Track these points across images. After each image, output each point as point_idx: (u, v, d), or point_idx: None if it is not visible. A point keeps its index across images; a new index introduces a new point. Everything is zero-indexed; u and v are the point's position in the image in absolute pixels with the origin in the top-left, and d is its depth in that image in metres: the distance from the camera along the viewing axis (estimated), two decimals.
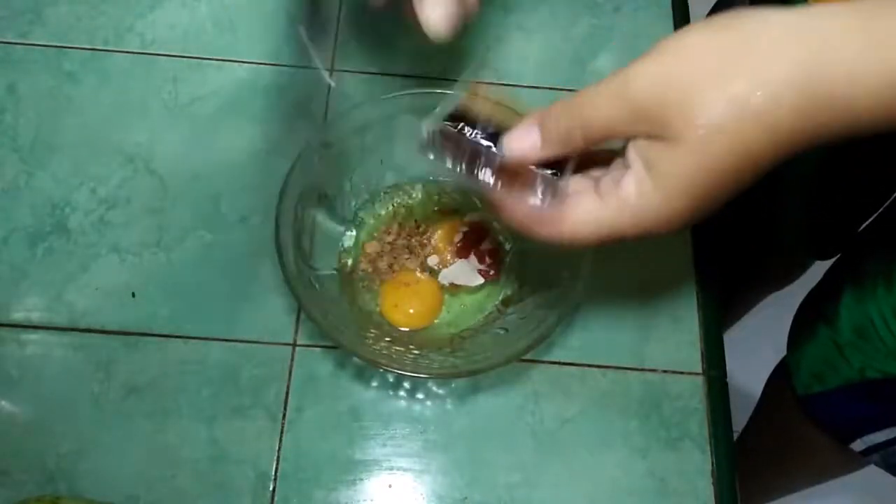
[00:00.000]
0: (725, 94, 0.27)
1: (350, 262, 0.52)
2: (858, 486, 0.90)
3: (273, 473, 0.48)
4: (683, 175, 0.29)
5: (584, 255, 0.45)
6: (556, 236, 0.33)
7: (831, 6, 0.27)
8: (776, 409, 0.75)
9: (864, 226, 0.72)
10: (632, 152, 0.30)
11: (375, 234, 0.53)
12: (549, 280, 0.49)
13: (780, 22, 0.27)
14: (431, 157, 0.35)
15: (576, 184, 0.34)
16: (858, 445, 0.63)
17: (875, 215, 0.70)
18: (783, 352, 0.71)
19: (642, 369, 0.52)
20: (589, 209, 0.32)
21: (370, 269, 0.52)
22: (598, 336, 0.53)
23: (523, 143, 0.32)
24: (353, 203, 0.53)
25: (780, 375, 0.73)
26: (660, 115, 0.28)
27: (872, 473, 0.69)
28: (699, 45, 0.28)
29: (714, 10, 0.77)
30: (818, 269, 0.80)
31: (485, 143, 0.34)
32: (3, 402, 0.49)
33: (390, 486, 0.48)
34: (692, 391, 0.52)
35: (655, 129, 0.29)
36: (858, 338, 0.56)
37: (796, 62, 0.26)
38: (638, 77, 0.29)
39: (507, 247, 0.53)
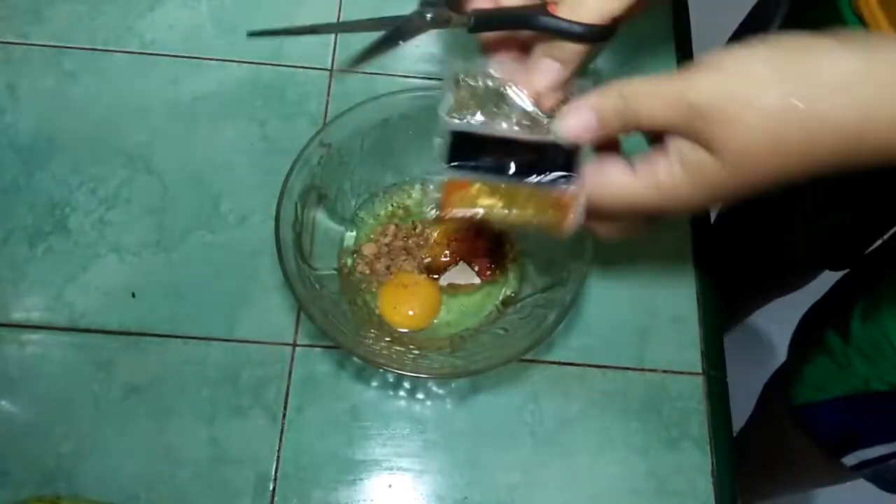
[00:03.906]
0: (769, 124, 0.29)
1: (350, 262, 0.52)
2: (849, 494, 0.90)
3: (273, 473, 0.48)
4: (714, 184, 0.32)
5: (585, 256, 0.45)
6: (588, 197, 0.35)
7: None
8: (770, 417, 0.75)
9: (881, 238, 0.72)
10: (672, 147, 0.33)
11: (372, 236, 0.53)
12: (549, 280, 0.49)
13: (844, 61, 0.29)
14: (456, 165, 0.36)
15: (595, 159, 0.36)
16: (850, 460, 0.63)
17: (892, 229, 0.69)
18: (783, 357, 0.71)
19: (642, 369, 0.52)
20: (619, 177, 0.34)
21: (367, 272, 0.52)
22: (598, 336, 0.53)
23: (580, 124, 0.35)
24: (353, 203, 0.53)
25: (777, 383, 0.72)
26: (708, 128, 0.30)
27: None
28: (761, 68, 0.30)
29: (743, 28, 0.76)
30: (823, 278, 0.80)
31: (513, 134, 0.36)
32: (3, 402, 0.49)
33: (390, 486, 0.48)
34: (692, 391, 0.52)
35: (701, 138, 0.31)
36: (871, 349, 0.56)
37: (849, 108, 0.28)
38: (700, 86, 0.30)
39: (507, 247, 0.53)
